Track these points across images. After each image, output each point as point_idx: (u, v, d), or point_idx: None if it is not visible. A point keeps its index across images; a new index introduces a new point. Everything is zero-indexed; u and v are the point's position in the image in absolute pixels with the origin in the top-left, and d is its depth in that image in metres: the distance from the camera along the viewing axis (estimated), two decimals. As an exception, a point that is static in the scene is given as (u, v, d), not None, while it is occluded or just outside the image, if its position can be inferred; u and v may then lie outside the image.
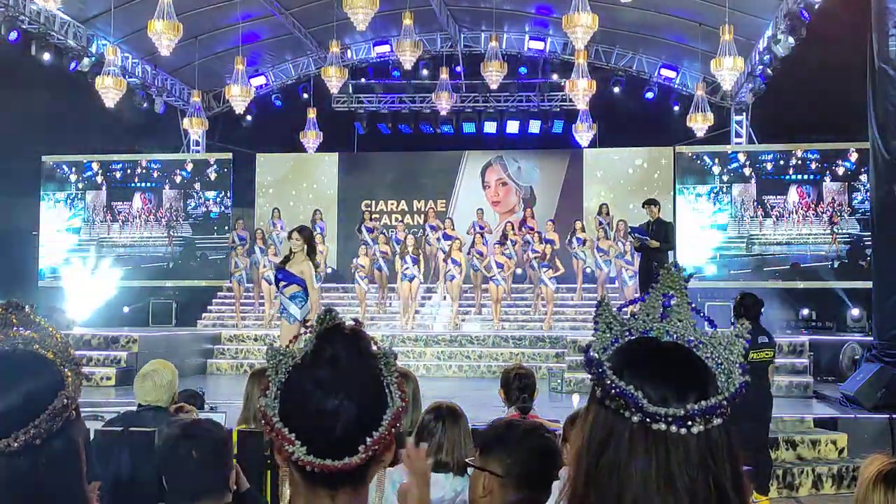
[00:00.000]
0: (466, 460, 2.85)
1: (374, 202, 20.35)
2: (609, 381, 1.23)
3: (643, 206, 12.78)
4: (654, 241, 12.01)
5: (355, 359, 1.33)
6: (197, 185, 19.77)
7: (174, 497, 2.86)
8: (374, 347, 1.37)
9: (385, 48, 19.19)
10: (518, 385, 4.92)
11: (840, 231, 17.82)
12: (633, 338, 1.31)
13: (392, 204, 20.56)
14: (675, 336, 1.30)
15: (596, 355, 1.27)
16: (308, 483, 1.31)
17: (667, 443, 1.21)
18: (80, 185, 19.88)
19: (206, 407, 6.78)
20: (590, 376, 1.28)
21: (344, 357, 1.32)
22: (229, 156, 20.03)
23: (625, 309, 1.38)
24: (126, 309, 18.56)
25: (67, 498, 1.48)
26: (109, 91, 15.27)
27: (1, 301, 1.53)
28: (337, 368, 1.31)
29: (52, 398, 1.45)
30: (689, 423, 1.21)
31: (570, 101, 17.37)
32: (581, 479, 1.25)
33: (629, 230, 12.69)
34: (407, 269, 16.08)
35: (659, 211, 12.87)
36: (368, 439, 1.29)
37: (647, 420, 1.21)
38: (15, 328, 1.50)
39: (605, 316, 1.32)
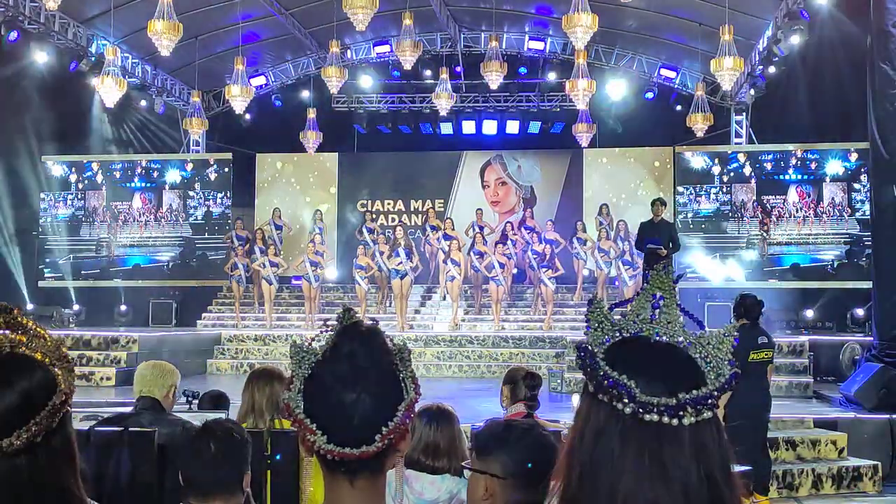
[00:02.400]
0: (463, 464, 2.85)
1: (373, 202, 20.33)
2: (602, 372, 1.25)
3: (652, 205, 12.81)
4: (663, 249, 12.13)
5: (371, 354, 1.42)
6: (197, 185, 19.79)
7: (189, 491, 2.90)
8: (390, 343, 1.47)
9: (385, 48, 19.19)
10: (528, 384, 4.97)
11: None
12: (623, 337, 1.33)
13: (391, 204, 20.53)
14: (664, 337, 1.32)
15: (589, 347, 1.29)
16: (330, 471, 1.42)
17: (659, 435, 1.23)
18: (80, 185, 19.89)
19: (191, 408, 6.73)
20: (582, 372, 1.30)
21: (361, 353, 1.42)
22: (229, 156, 20.03)
23: (616, 309, 1.39)
24: (123, 308, 18.58)
25: (65, 494, 1.49)
26: (109, 91, 15.27)
27: None
28: (354, 364, 1.41)
29: (44, 398, 1.45)
30: (681, 412, 1.22)
31: (570, 101, 17.37)
32: (575, 473, 1.26)
33: (641, 242, 12.77)
34: (400, 263, 15.73)
35: (664, 211, 12.92)
36: (384, 429, 1.38)
37: (640, 411, 1.23)
38: (2, 332, 1.51)
39: (596, 314, 1.34)
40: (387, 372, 1.43)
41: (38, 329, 1.53)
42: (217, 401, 5.75)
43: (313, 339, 1.46)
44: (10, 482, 1.43)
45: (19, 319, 1.52)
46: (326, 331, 1.46)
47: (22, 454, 1.43)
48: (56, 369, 1.50)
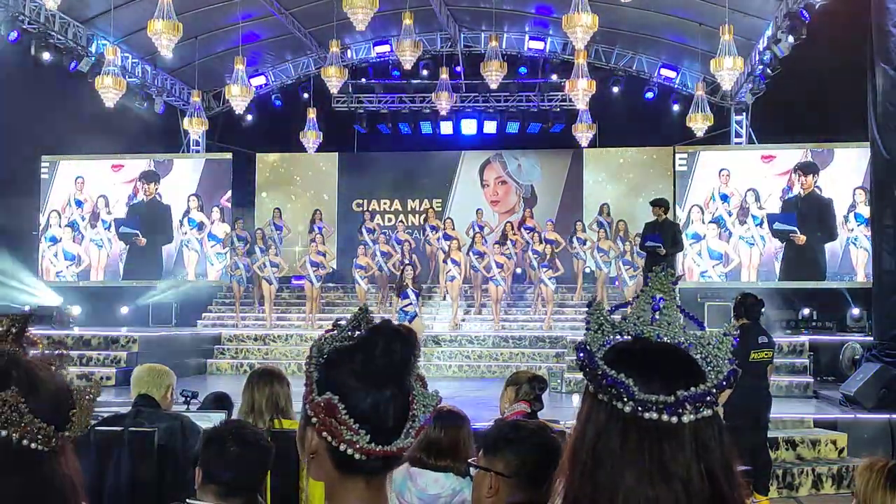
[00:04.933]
0: (469, 461, 2.85)
1: (374, 202, 20.33)
2: (600, 372, 1.25)
3: (652, 207, 12.81)
4: (663, 248, 12.11)
5: (406, 352, 1.44)
6: (197, 185, 19.78)
7: (210, 488, 2.96)
8: None
9: (385, 48, 19.19)
10: (535, 385, 4.97)
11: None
12: (624, 339, 1.33)
13: (392, 204, 20.53)
14: (665, 339, 1.32)
15: (588, 348, 1.29)
16: (345, 471, 1.41)
17: (659, 434, 1.23)
18: (80, 185, 19.87)
19: (189, 408, 6.74)
20: (582, 372, 1.30)
21: (399, 351, 1.43)
22: (229, 156, 20.02)
23: (617, 311, 1.39)
24: (125, 309, 18.57)
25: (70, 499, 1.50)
26: (109, 91, 15.26)
27: None
28: (392, 361, 1.42)
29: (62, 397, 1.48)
30: (680, 410, 1.22)
31: (570, 101, 17.36)
32: (577, 473, 1.26)
33: (642, 241, 12.75)
34: (409, 305, 14.09)
35: (665, 212, 12.90)
36: (416, 424, 1.41)
37: (639, 409, 1.23)
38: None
39: (596, 317, 1.34)
40: (413, 369, 1.46)
41: (34, 337, 1.54)
42: (220, 401, 5.76)
43: (328, 341, 1.46)
44: (45, 481, 1.45)
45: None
46: (333, 331, 1.46)
47: (55, 454, 1.45)
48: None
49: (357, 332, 1.46)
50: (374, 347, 1.42)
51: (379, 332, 1.44)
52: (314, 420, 1.41)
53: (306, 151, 19.81)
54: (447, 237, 17.09)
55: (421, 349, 1.49)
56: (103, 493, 4.16)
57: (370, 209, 19.88)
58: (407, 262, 16.06)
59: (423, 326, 15.06)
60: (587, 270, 17.82)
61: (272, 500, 4.12)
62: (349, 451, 1.37)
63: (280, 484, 4.16)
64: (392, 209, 20.42)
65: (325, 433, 1.39)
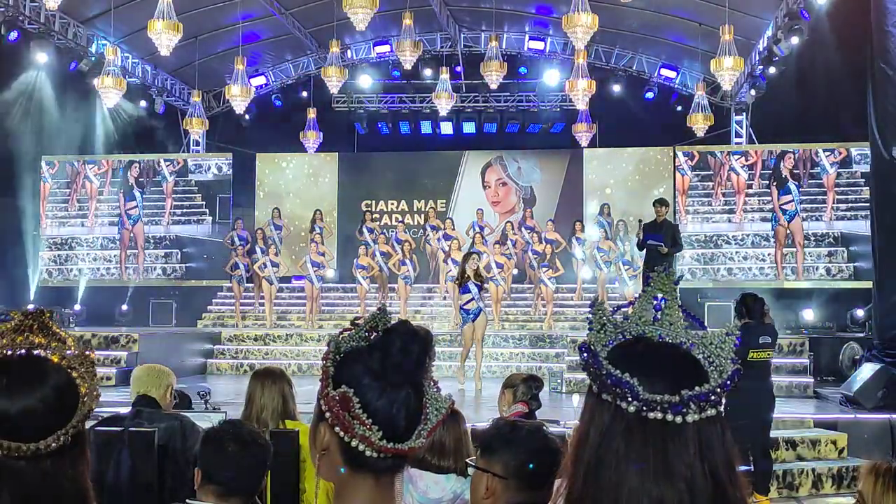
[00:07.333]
0: (467, 461, 2.85)
1: (374, 202, 20.32)
2: (605, 372, 1.25)
3: (654, 206, 12.82)
4: (665, 247, 12.10)
5: (422, 353, 1.45)
6: (196, 185, 19.78)
7: (209, 488, 2.97)
8: None
9: (385, 48, 19.20)
10: (531, 385, 4.98)
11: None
12: (626, 339, 1.33)
13: (392, 204, 20.52)
14: (667, 339, 1.32)
15: (592, 347, 1.29)
16: (354, 469, 1.41)
17: (663, 433, 1.22)
18: (80, 185, 19.87)
19: (208, 407, 6.79)
20: (586, 372, 1.30)
21: (416, 351, 1.44)
22: (229, 156, 20.02)
23: (619, 311, 1.39)
24: (124, 307, 18.57)
25: (79, 497, 1.50)
26: (109, 91, 15.27)
27: (26, 309, 1.57)
28: (408, 361, 1.43)
29: (57, 399, 1.46)
30: (685, 410, 1.22)
31: (570, 101, 17.37)
32: (580, 473, 1.26)
33: (643, 238, 12.76)
34: (471, 301, 12.08)
35: (666, 211, 12.90)
36: (428, 426, 1.43)
37: (644, 409, 1.22)
38: (29, 334, 1.52)
39: (599, 316, 1.34)
40: (427, 371, 1.47)
41: (62, 333, 1.55)
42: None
43: (346, 339, 1.47)
44: (39, 485, 1.44)
45: (45, 322, 1.54)
46: (351, 330, 1.47)
47: (48, 457, 1.44)
48: (74, 372, 1.51)
49: (374, 332, 1.46)
50: (391, 347, 1.43)
51: (397, 332, 1.45)
52: (327, 415, 1.40)
53: (306, 151, 19.79)
54: (447, 237, 17.08)
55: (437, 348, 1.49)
56: (103, 494, 4.16)
57: (374, 209, 19.84)
58: (407, 261, 16.06)
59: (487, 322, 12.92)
60: (586, 273, 17.80)
61: (272, 500, 4.12)
62: (361, 447, 1.37)
63: (280, 484, 4.16)
64: (399, 209, 20.39)
65: (337, 428, 1.39)
